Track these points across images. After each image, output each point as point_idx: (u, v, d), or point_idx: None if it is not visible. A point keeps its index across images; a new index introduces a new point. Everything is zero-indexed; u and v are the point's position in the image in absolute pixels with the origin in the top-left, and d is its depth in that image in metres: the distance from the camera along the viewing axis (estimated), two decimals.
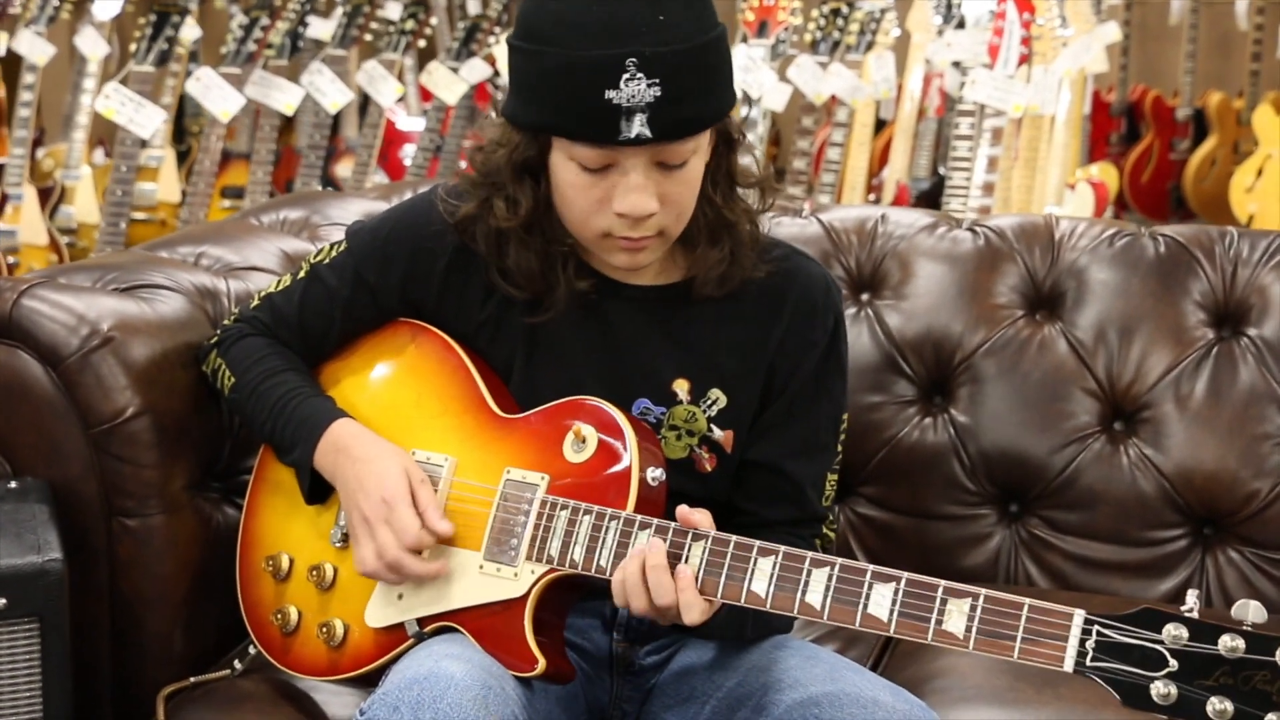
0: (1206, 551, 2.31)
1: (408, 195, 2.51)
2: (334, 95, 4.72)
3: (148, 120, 4.21)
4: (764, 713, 1.72)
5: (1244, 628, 1.42)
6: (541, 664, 1.71)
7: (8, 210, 5.58)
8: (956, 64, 4.59)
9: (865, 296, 2.42)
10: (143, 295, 2.10)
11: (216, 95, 4.40)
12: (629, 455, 1.73)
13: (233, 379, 1.94)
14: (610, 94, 1.65)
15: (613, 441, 1.74)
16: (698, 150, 1.74)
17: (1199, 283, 2.37)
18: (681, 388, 1.85)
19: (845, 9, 4.87)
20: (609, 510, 1.71)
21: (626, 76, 1.65)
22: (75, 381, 1.97)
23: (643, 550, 1.66)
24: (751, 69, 4.31)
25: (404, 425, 1.87)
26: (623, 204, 1.72)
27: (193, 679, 1.97)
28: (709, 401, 1.85)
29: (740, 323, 1.86)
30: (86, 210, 5.60)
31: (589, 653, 1.87)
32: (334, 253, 1.95)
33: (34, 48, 5.58)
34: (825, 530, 1.91)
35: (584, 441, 1.76)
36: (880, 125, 5.91)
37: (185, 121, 6.60)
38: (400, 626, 1.80)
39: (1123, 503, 2.30)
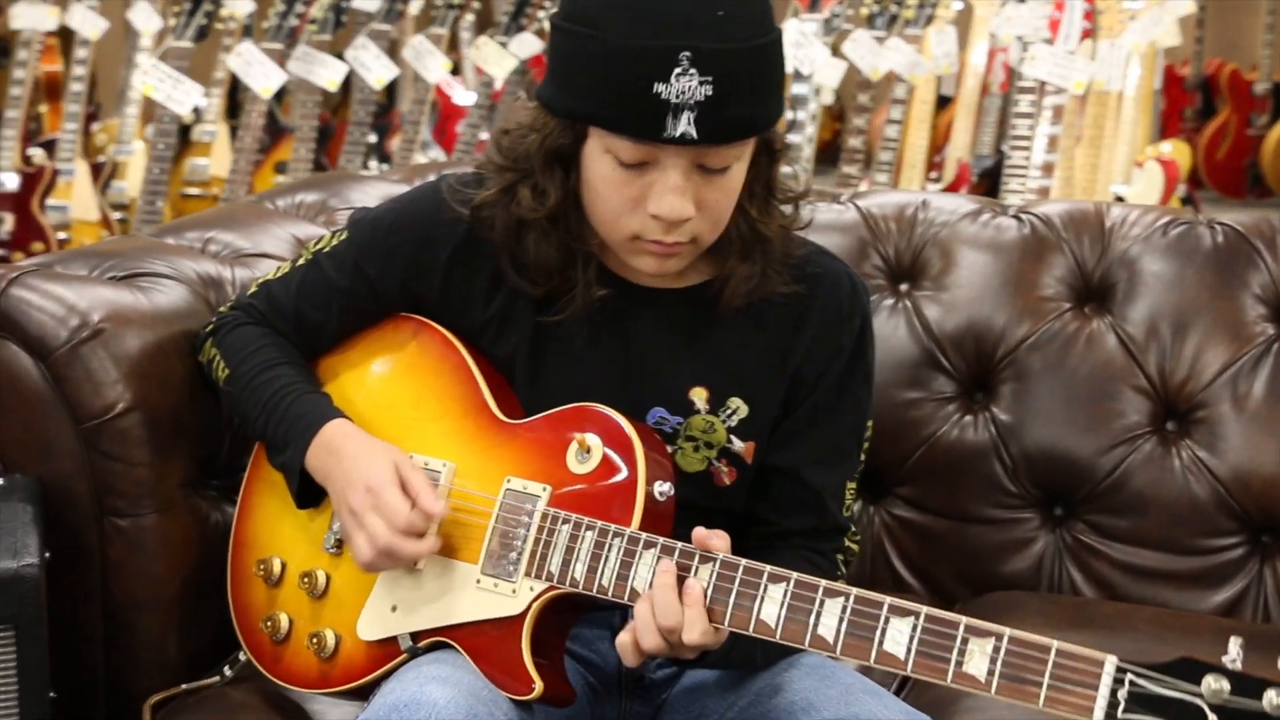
0: (1265, 561, 2.18)
1: (431, 179, 2.43)
2: (379, 70, 4.65)
3: (185, 97, 4.15)
4: None
5: None
6: (539, 687, 1.61)
7: (59, 185, 5.56)
8: (1019, 38, 4.45)
9: (904, 287, 2.31)
10: (140, 284, 2.01)
11: (258, 71, 4.33)
12: (635, 468, 1.63)
13: (227, 370, 1.86)
14: (659, 87, 1.56)
15: (618, 453, 1.64)
16: (741, 157, 1.65)
17: (1259, 274, 2.24)
18: (699, 396, 1.74)
19: None
20: (613, 526, 1.61)
21: (678, 71, 1.56)
22: (64, 375, 1.89)
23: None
24: (803, 44, 4.18)
25: (401, 427, 1.78)
26: (658, 205, 1.63)
27: (184, 686, 1.90)
28: (728, 411, 1.75)
29: (762, 328, 1.75)
30: (139, 186, 5.56)
31: (596, 666, 1.77)
32: (335, 241, 1.86)
33: (87, 22, 5.55)
34: (848, 543, 1.80)
35: (588, 452, 1.66)
36: (944, 101, 5.77)
37: (240, 96, 6.56)
38: (393, 640, 1.71)
39: (1174, 508, 2.18)
